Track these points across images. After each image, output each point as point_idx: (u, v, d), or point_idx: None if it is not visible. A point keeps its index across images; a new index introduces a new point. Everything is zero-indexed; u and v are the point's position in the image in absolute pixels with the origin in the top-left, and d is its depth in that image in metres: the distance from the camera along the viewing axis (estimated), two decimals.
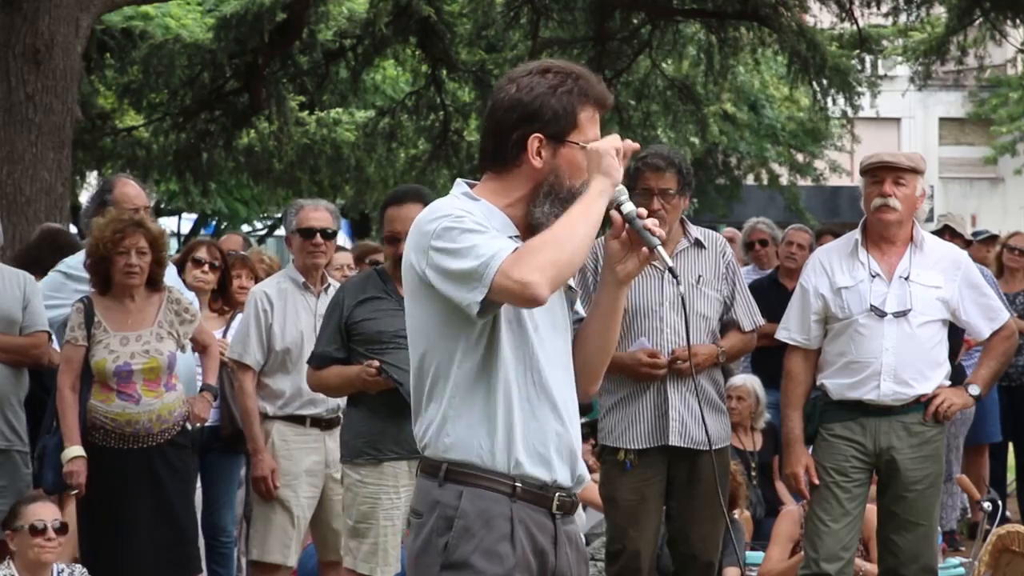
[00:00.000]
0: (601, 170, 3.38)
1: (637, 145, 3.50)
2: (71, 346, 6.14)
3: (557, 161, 3.42)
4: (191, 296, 6.84)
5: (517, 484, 3.39)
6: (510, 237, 3.40)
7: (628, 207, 3.43)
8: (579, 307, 3.62)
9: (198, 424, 6.48)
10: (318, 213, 6.68)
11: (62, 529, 5.81)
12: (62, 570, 5.86)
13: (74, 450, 6.03)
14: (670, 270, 3.47)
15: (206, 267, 7.40)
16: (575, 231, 3.31)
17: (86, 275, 6.61)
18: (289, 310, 6.63)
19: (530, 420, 3.40)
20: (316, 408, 6.63)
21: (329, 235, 6.64)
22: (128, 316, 6.20)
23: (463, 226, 3.33)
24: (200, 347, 6.58)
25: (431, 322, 3.41)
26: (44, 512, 5.77)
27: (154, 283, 6.25)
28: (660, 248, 3.40)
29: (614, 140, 3.44)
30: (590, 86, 3.47)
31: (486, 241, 3.30)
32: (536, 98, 3.43)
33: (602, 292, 3.51)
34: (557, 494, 3.45)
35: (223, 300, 7.49)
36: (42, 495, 6.15)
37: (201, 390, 6.57)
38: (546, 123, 3.42)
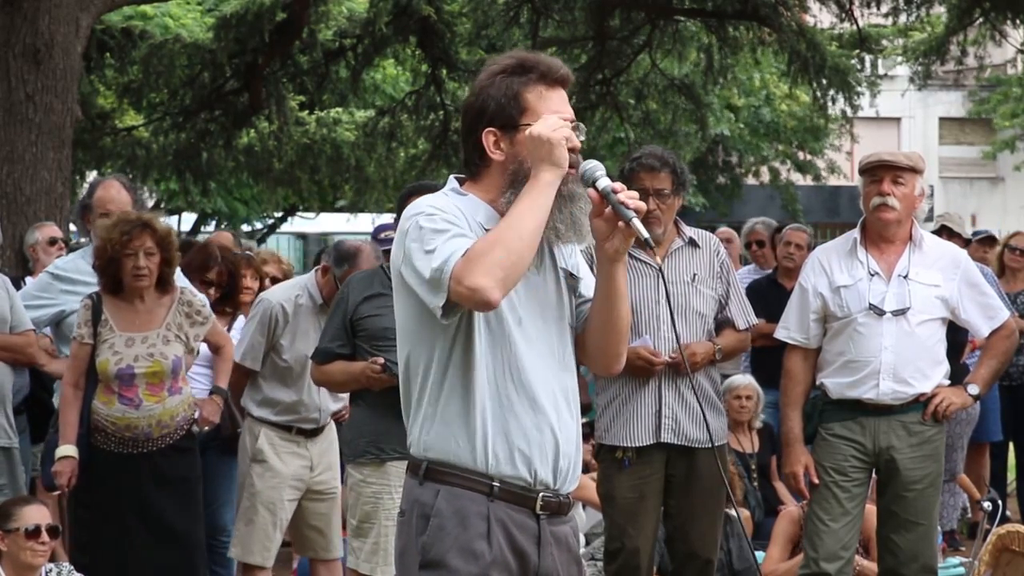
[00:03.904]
0: (549, 159, 3.32)
1: (577, 144, 3.40)
2: (77, 343, 6.06)
3: (516, 148, 3.40)
4: (203, 298, 6.81)
5: (495, 483, 3.37)
6: (489, 229, 3.38)
7: (603, 182, 3.38)
8: (586, 288, 3.58)
9: (206, 428, 6.40)
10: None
11: (54, 531, 5.78)
12: (50, 570, 5.84)
13: (65, 449, 5.95)
14: (646, 241, 3.36)
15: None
16: (523, 228, 3.27)
17: (74, 276, 6.60)
18: (300, 328, 6.64)
19: (509, 418, 3.38)
20: (307, 424, 6.70)
21: None
22: (136, 317, 6.09)
23: (433, 225, 3.32)
24: (214, 348, 6.51)
25: (411, 319, 3.43)
26: (38, 515, 5.73)
27: (164, 283, 6.14)
28: (636, 221, 3.34)
29: (556, 123, 3.34)
30: (531, 67, 3.42)
31: (444, 243, 3.28)
32: (478, 95, 3.43)
33: (598, 272, 3.49)
34: (541, 494, 3.42)
35: (229, 302, 7.47)
36: (34, 497, 6.12)
37: (211, 392, 6.53)
38: (493, 115, 3.41)
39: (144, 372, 6.01)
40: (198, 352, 6.35)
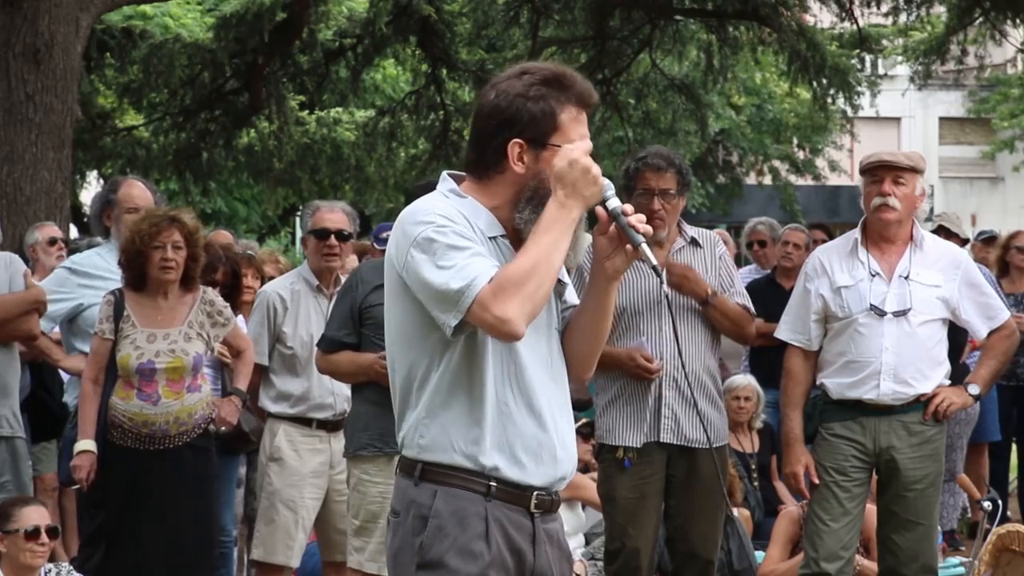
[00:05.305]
0: (588, 198, 3.31)
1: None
2: (98, 339, 6.04)
3: (540, 165, 3.35)
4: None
5: (492, 484, 3.36)
6: (492, 237, 3.37)
7: (613, 203, 3.36)
8: (571, 295, 3.58)
9: (223, 428, 6.35)
10: (334, 215, 6.62)
11: (53, 532, 5.77)
12: (49, 570, 5.84)
13: (83, 444, 5.95)
14: (653, 268, 3.38)
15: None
16: (552, 264, 3.25)
17: (90, 271, 6.61)
18: (301, 313, 6.63)
19: (507, 422, 3.37)
20: (323, 412, 6.64)
21: (344, 237, 6.58)
22: (159, 313, 6.08)
23: (446, 240, 3.27)
24: (234, 352, 6.49)
25: (409, 322, 3.39)
26: (37, 516, 5.72)
27: (189, 280, 6.13)
28: (644, 246, 3.33)
29: (597, 168, 3.32)
30: (570, 86, 3.38)
31: (466, 262, 3.24)
32: (512, 103, 3.35)
33: (592, 286, 3.48)
34: (535, 493, 3.42)
35: (230, 302, 7.46)
36: (33, 497, 6.11)
37: (229, 393, 6.51)
38: (524, 127, 3.34)
39: (165, 368, 6.00)
40: (214, 352, 6.35)
